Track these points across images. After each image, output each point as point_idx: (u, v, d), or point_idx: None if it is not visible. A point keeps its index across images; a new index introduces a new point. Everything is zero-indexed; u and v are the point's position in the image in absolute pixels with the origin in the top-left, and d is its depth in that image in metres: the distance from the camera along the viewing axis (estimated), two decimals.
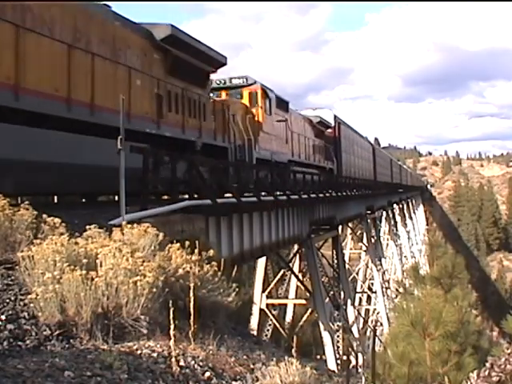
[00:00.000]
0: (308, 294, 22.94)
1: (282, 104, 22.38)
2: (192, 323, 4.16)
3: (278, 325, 24.65)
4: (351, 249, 47.36)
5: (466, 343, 5.23)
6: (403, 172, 79.06)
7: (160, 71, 12.33)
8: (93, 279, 3.97)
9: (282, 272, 25.75)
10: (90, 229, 5.37)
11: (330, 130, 31.92)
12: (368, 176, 43.05)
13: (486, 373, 3.26)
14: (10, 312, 4.00)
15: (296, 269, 26.37)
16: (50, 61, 8.57)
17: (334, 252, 25.92)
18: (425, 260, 6.93)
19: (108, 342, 3.79)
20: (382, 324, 34.84)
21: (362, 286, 43.24)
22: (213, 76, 16.60)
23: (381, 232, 46.69)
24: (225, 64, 15.38)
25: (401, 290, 6.28)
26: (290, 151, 22.79)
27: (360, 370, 18.17)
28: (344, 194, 27.00)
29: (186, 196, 11.03)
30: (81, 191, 10.50)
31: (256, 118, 18.73)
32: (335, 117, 33.10)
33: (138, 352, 3.71)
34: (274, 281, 25.07)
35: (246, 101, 18.96)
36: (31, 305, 3.93)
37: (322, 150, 29.47)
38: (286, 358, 4.15)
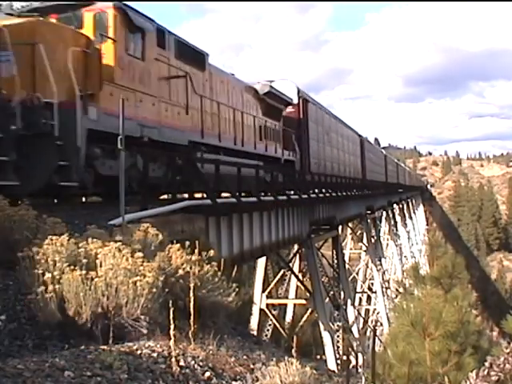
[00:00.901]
0: (308, 294, 22.94)
1: (190, 53, 13.83)
2: (192, 323, 4.17)
3: (278, 325, 24.66)
4: (351, 249, 47.36)
5: (466, 343, 5.23)
6: (400, 171, 72.56)
7: None
8: (93, 279, 3.97)
9: (282, 272, 25.76)
10: (89, 229, 5.38)
11: (291, 109, 23.52)
12: (354, 173, 35.68)
13: (485, 372, 3.27)
14: (10, 312, 4.01)
15: (296, 269, 26.38)
16: None
17: (334, 252, 25.92)
18: (425, 260, 6.94)
19: (108, 341, 3.79)
20: (382, 324, 34.83)
21: (361, 286, 43.24)
22: None
23: (381, 232, 46.68)
24: None
25: (401, 289, 6.29)
26: (198, 128, 14.06)
27: (360, 369, 18.19)
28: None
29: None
30: None
31: (100, 60, 10.19)
32: (299, 91, 24.15)
33: (138, 352, 3.71)
34: (274, 281, 25.08)
35: (88, 29, 10.60)
36: (31, 305, 3.93)
37: (275, 134, 20.99)
38: (286, 358, 4.16)
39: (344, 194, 26.15)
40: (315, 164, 25.33)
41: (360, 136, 41.73)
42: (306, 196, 18.88)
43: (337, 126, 32.83)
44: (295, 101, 23.55)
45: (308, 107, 24.98)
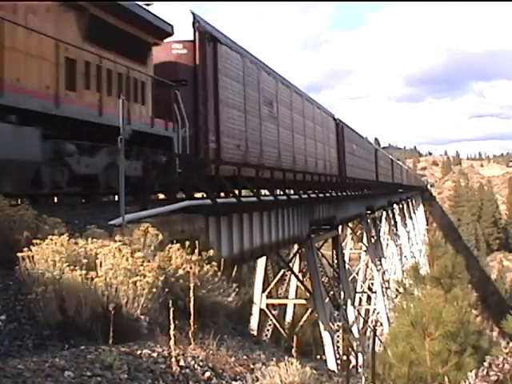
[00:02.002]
0: (308, 294, 22.95)
1: None
2: (192, 323, 4.17)
3: (278, 325, 24.67)
4: (351, 249, 47.43)
5: (465, 343, 5.24)
6: (396, 168, 63.86)
7: None
8: (93, 279, 3.98)
9: (282, 272, 25.78)
10: (90, 229, 5.38)
11: (180, 50, 13.87)
12: (326, 168, 26.86)
13: (485, 372, 3.27)
14: (10, 312, 4.01)
15: (296, 269, 26.39)
16: None
17: (334, 252, 25.94)
18: (425, 260, 6.94)
19: (108, 341, 3.79)
20: (382, 324, 34.85)
21: (361, 286, 43.29)
22: None
23: (381, 232, 46.71)
24: None
25: (401, 289, 6.29)
26: None
27: (360, 369, 18.20)
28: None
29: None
30: None
31: None
32: (196, 20, 14.07)
33: (138, 352, 3.71)
34: (274, 281, 25.10)
35: None
36: (31, 305, 3.93)
37: (121, 84, 10.87)
38: (285, 358, 4.15)
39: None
40: (236, 148, 15.53)
41: (336, 120, 31.27)
42: (306, 196, 18.88)
43: (291, 97, 21.88)
44: (186, 35, 13.73)
45: (218, 51, 14.79)
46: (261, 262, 23.85)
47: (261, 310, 23.88)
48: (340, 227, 29.26)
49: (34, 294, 3.86)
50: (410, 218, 68.78)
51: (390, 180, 53.96)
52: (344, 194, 26.29)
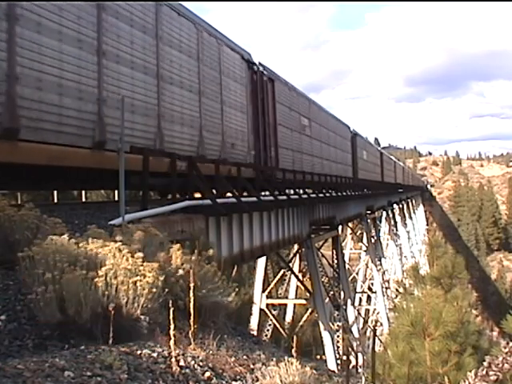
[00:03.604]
0: (308, 294, 22.94)
1: None
2: (192, 323, 4.17)
3: (278, 325, 24.66)
4: (351, 249, 47.44)
5: (466, 343, 5.24)
6: (388, 164, 52.92)
7: None
8: (93, 279, 3.97)
9: (282, 272, 25.78)
10: (90, 229, 5.38)
11: None
12: (209, 149, 12.74)
13: (484, 372, 3.27)
14: (10, 312, 4.01)
15: (296, 269, 26.39)
16: None
17: (334, 252, 25.93)
18: (425, 260, 6.95)
19: (108, 342, 3.79)
20: (382, 324, 34.84)
21: (361, 286, 43.30)
22: None
23: (381, 232, 46.68)
24: None
25: (401, 290, 6.29)
26: None
27: (360, 369, 18.20)
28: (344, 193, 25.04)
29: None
30: None
31: None
32: None
33: (138, 352, 3.70)
34: (274, 281, 25.10)
35: None
36: (31, 305, 3.93)
37: None
38: (285, 358, 4.15)
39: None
40: None
41: (255, 65, 16.60)
42: (305, 196, 18.88)
43: None
44: None
45: None
46: (261, 262, 23.85)
47: (261, 310, 23.88)
48: (340, 227, 29.23)
49: (34, 294, 3.86)
50: (410, 218, 68.81)
51: (378, 178, 43.42)
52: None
